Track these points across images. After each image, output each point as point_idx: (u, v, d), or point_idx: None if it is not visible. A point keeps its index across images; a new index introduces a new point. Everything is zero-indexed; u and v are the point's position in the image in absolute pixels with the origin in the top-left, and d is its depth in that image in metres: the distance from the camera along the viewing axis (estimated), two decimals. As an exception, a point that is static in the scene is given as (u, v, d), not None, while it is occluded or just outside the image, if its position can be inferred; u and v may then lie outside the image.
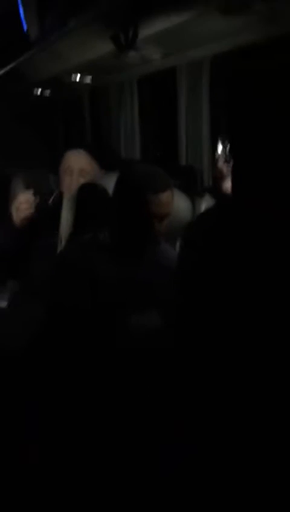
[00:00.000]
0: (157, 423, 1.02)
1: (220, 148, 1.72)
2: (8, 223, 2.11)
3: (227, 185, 1.67)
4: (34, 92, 3.63)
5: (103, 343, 1.57)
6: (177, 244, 1.90)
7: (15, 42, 2.75)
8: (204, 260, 1.01)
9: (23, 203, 2.06)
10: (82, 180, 2.10)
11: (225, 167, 1.71)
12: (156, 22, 1.60)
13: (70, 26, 1.95)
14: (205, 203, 1.89)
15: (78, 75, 2.93)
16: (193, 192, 2.05)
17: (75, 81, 3.04)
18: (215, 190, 1.93)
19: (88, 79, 3.03)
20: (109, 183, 1.71)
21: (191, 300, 1.06)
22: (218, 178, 1.72)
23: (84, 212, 1.81)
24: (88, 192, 1.79)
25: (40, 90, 3.60)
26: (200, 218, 1.06)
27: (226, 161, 1.72)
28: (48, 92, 3.66)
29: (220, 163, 1.71)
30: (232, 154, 1.52)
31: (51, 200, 2.34)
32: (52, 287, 1.64)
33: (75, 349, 1.56)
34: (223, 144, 1.72)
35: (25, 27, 2.67)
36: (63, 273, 1.63)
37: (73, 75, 2.92)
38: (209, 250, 1.00)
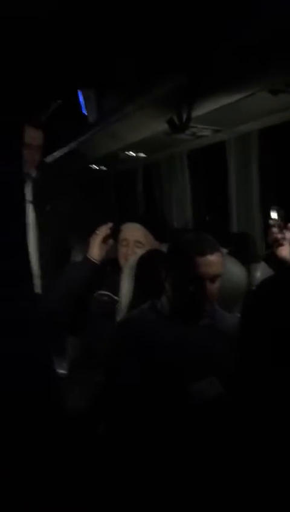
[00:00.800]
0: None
1: (274, 215, 1.77)
2: (86, 261, 2.25)
3: (283, 252, 1.69)
4: (91, 168, 3.86)
5: (162, 410, 1.57)
6: (235, 310, 1.91)
7: (75, 123, 2.99)
8: (267, 329, 1.02)
9: (103, 228, 2.23)
10: (138, 251, 2.19)
11: (279, 234, 1.74)
12: (208, 103, 1.72)
13: (126, 110, 2.12)
14: (261, 270, 1.92)
15: (133, 152, 3.12)
16: (248, 259, 2.09)
17: (130, 157, 3.23)
18: (270, 257, 1.95)
19: (141, 155, 3.22)
20: (163, 253, 1.78)
21: (254, 369, 1.06)
22: (274, 245, 1.75)
23: (144, 279, 1.88)
24: (149, 261, 1.86)
25: (96, 166, 3.83)
26: (261, 287, 1.08)
27: (281, 228, 1.76)
28: (103, 168, 3.89)
29: (275, 230, 1.75)
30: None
31: (108, 267, 2.44)
32: (113, 356, 1.68)
33: (133, 415, 1.56)
34: (277, 211, 1.77)
35: (84, 111, 2.91)
36: (123, 341, 1.67)
37: (127, 152, 3.12)
38: (272, 320, 1.01)
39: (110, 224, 2.26)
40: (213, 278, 1.63)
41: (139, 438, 1.47)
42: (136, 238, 2.27)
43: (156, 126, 2.11)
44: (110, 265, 2.38)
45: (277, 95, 1.56)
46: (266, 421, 1.03)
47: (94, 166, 3.85)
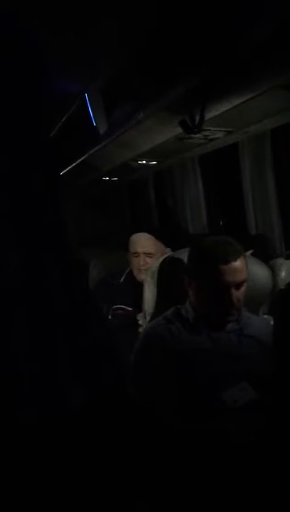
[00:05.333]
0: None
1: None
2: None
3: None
4: (103, 179, 3.86)
5: (193, 418, 1.53)
6: (260, 311, 1.88)
7: (85, 136, 2.99)
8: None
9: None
10: (149, 261, 2.24)
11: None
12: (221, 104, 1.70)
13: (138, 117, 2.11)
14: (285, 269, 1.88)
15: (144, 161, 3.11)
16: (269, 260, 2.06)
17: (141, 165, 3.22)
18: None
19: (153, 162, 3.21)
20: (183, 258, 1.76)
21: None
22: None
23: (166, 286, 1.85)
24: (170, 267, 1.84)
25: (108, 177, 3.84)
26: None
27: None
28: (115, 178, 3.89)
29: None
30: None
31: (122, 277, 2.44)
32: (140, 361, 1.65)
33: (164, 424, 1.53)
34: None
35: (94, 122, 2.90)
36: (150, 348, 1.64)
37: (139, 161, 3.11)
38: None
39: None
40: (239, 285, 1.60)
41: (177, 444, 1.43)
42: (145, 250, 2.30)
43: (169, 132, 2.09)
44: (125, 277, 2.39)
45: (291, 90, 1.54)
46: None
47: (106, 177, 3.85)
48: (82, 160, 3.14)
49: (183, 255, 1.79)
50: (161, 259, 1.88)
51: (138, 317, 2.03)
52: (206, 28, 1.37)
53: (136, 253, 2.31)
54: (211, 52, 1.38)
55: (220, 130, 2.21)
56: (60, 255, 0.59)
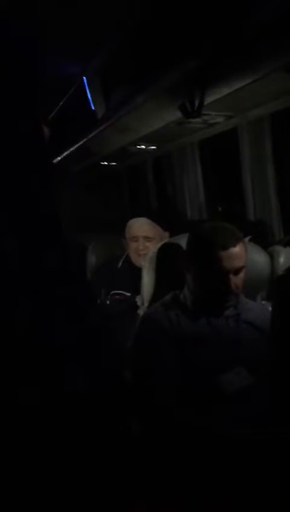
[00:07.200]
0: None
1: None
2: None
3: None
4: (101, 164, 3.84)
5: (189, 400, 1.54)
6: (258, 297, 1.88)
7: (84, 120, 2.97)
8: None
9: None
10: (148, 245, 2.23)
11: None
12: (220, 88, 1.68)
13: (137, 101, 2.08)
14: (284, 255, 1.88)
15: (143, 145, 3.09)
16: (267, 246, 2.05)
17: (140, 150, 3.20)
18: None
19: (152, 147, 3.18)
20: (182, 244, 1.75)
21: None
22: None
23: (164, 272, 1.85)
24: (168, 253, 1.84)
25: (106, 162, 3.81)
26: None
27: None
28: (114, 163, 3.87)
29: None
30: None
31: (120, 263, 2.44)
32: (139, 347, 1.65)
33: (162, 407, 1.53)
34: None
35: (92, 106, 2.88)
36: (149, 334, 1.64)
37: (138, 146, 3.08)
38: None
39: None
40: (237, 271, 1.59)
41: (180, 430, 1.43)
42: (144, 234, 2.30)
43: (169, 116, 2.07)
44: (122, 262, 2.39)
45: (294, 73, 1.51)
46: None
47: (104, 162, 3.83)
48: (80, 145, 3.12)
49: (182, 240, 1.78)
50: (158, 245, 1.87)
51: (137, 299, 2.02)
52: (206, 8, 1.35)
53: (135, 237, 2.30)
54: (211, 33, 1.36)
55: (220, 115, 2.19)
56: (56, 245, 0.58)
